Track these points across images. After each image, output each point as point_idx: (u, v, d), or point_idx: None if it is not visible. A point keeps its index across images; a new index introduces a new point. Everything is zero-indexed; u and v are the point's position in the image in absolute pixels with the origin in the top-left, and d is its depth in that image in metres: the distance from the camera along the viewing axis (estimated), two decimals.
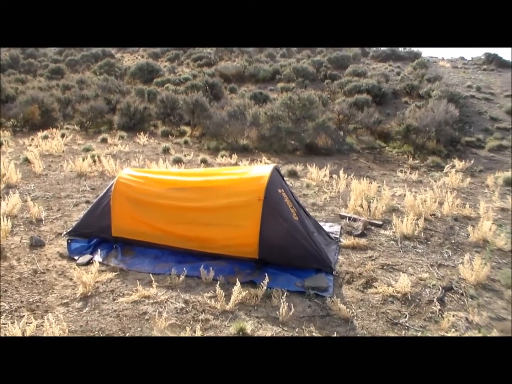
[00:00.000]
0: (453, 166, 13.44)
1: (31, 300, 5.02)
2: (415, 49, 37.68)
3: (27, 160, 11.79)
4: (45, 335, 4.18)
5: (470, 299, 5.32)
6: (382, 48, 37.36)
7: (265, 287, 5.09)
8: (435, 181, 11.72)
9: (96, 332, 4.45)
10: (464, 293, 5.47)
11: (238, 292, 4.92)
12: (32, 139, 15.55)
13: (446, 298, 5.37)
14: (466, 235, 7.44)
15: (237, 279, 5.09)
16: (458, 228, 7.86)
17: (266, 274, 5.21)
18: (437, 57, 38.72)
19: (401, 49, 37.42)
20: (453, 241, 7.19)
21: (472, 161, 14.41)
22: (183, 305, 4.99)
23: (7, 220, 6.69)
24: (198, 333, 4.29)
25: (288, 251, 5.73)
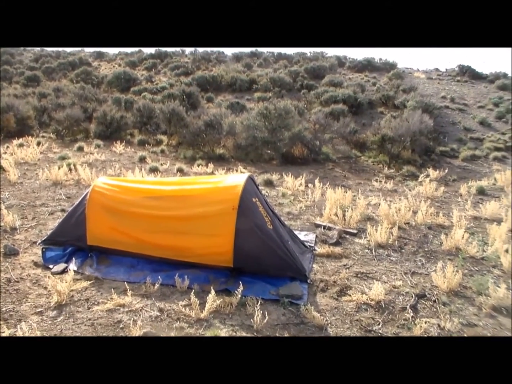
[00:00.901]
0: (428, 175, 13.66)
1: (4, 309, 4.95)
2: (390, 60, 38.23)
3: (1, 168, 11.61)
4: None
5: (442, 306, 5.39)
6: (358, 59, 37.88)
7: (239, 295, 5.10)
8: (410, 190, 11.89)
9: None
10: (436, 300, 5.54)
11: (212, 300, 4.92)
12: (7, 147, 15.36)
13: (419, 305, 5.43)
14: (439, 243, 7.53)
15: (211, 288, 5.08)
16: (431, 236, 7.96)
17: (240, 282, 5.21)
18: (412, 68, 39.31)
19: (377, 59, 37.94)
20: (426, 249, 7.28)
21: (446, 171, 14.68)
22: (158, 314, 4.98)
23: None
24: None
25: (263, 259, 5.75)
